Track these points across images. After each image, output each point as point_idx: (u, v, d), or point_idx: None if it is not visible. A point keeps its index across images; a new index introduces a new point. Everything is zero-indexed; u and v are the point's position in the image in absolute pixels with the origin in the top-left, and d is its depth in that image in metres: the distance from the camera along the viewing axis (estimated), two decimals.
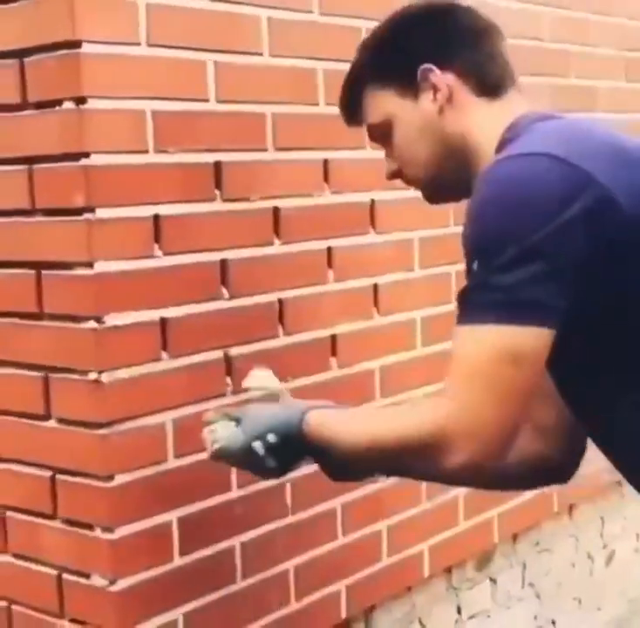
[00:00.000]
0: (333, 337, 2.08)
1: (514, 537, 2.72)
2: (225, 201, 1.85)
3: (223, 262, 1.86)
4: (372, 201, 2.15)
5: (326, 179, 2.04)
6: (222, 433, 1.52)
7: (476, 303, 1.28)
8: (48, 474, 1.78)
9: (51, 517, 1.79)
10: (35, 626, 1.86)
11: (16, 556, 1.87)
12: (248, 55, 1.88)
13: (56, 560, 1.80)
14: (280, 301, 1.96)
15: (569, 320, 1.29)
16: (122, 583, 1.73)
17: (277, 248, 1.96)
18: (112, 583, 1.72)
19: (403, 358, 2.19)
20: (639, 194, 1.28)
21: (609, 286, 1.29)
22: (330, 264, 2.07)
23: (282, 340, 1.97)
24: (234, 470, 1.88)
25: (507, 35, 2.45)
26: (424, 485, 2.31)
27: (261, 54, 1.90)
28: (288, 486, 1.99)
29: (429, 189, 1.55)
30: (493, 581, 2.68)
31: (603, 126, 1.44)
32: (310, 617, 2.07)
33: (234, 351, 1.88)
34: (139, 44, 1.70)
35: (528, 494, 2.60)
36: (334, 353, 2.09)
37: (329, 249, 2.07)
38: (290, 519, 2.01)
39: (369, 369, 2.16)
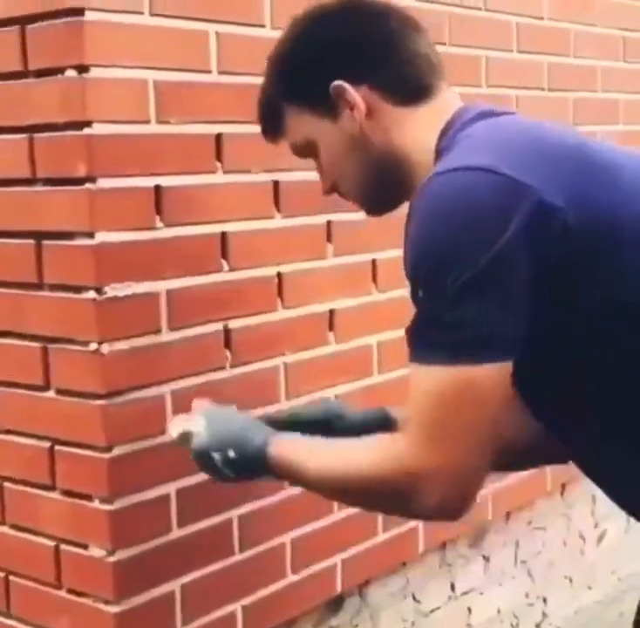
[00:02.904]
0: (331, 312, 2.08)
1: (508, 515, 2.73)
2: (226, 173, 1.84)
3: (223, 235, 1.85)
4: None
5: None
6: (190, 427, 1.50)
7: (428, 341, 1.22)
8: (47, 444, 1.78)
9: (50, 488, 1.79)
10: (32, 597, 1.86)
11: (14, 527, 1.87)
12: (251, 26, 1.87)
13: (54, 531, 1.80)
14: (279, 274, 1.96)
15: (529, 343, 1.23)
16: (120, 555, 1.73)
17: (277, 221, 1.95)
18: (111, 554, 1.73)
19: (401, 334, 2.19)
20: (577, 202, 1.20)
21: (562, 302, 1.22)
22: (329, 239, 2.07)
23: (280, 314, 1.97)
24: None
25: (508, 13, 2.49)
26: None
27: (263, 26, 1.89)
28: None
29: (366, 204, 1.49)
30: (485, 558, 2.70)
31: (538, 127, 1.36)
32: (306, 590, 2.07)
33: (234, 323, 1.88)
34: (142, 13, 1.69)
35: (522, 474, 2.61)
36: (331, 328, 2.09)
37: (328, 224, 2.06)
38: (288, 492, 2.01)
39: (367, 344, 2.16)
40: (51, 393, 1.76)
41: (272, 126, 1.48)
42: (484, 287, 1.18)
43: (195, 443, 1.49)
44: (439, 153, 1.34)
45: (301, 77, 1.41)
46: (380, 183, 1.42)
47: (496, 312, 1.19)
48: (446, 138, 1.34)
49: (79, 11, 1.61)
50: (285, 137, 1.47)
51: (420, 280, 1.23)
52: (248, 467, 1.48)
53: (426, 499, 1.24)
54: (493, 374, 1.20)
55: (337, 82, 1.36)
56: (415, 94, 1.39)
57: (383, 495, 1.31)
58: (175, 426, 1.53)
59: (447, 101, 1.40)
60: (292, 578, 2.04)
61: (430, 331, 1.22)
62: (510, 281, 1.18)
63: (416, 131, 1.38)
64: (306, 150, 1.47)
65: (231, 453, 1.46)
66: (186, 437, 1.50)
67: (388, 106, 1.38)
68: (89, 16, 1.61)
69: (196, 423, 1.50)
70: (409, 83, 1.38)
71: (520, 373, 1.30)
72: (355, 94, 1.37)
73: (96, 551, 1.74)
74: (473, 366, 1.19)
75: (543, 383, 1.32)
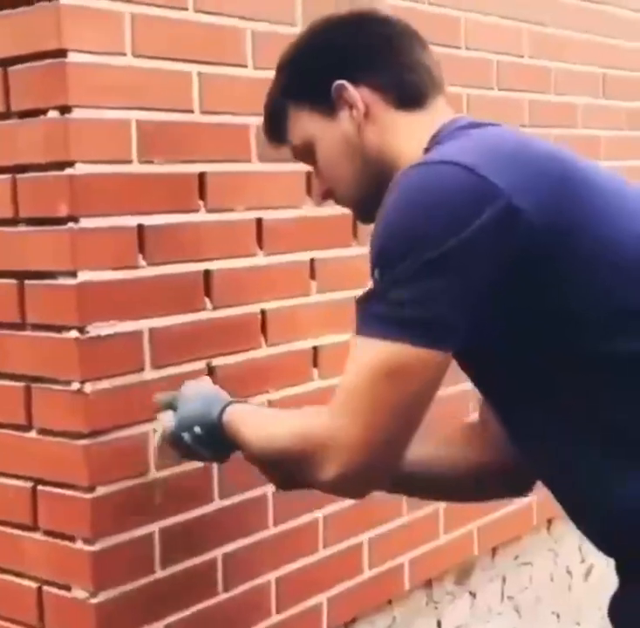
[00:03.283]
0: (315, 349, 2.08)
1: (494, 551, 2.72)
2: (209, 211, 1.85)
3: (207, 273, 1.86)
4: None
5: (309, 191, 2.05)
6: (162, 422, 1.61)
7: (369, 315, 1.25)
8: (29, 485, 1.77)
9: (32, 529, 1.78)
10: None
11: None
12: (233, 67, 1.89)
13: (37, 572, 1.79)
14: (262, 312, 1.97)
15: (487, 341, 1.25)
16: (103, 596, 1.72)
17: (260, 259, 1.96)
18: (94, 595, 1.71)
19: None
20: (550, 209, 1.22)
21: (522, 305, 1.24)
22: (312, 276, 2.08)
23: (264, 351, 1.97)
24: (215, 481, 1.88)
25: (489, 51, 2.52)
26: (405, 498, 2.31)
27: (245, 66, 1.91)
28: (269, 498, 1.99)
29: (359, 209, 1.52)
30: (472, 594, 2.68)
31: (523, 138, 1.39)
32: None
33: (217, 361, 1.88)
34: (124, 54, 1.70)
35: (508, 508, 2.61)
36: (316, 364, 2.09)
37: (311, 261, 2.07)
38: (272, 531, 2.00)
39: None
40: (33, 433, 1.75)
41: (275, 126, 1.52)
42: (439, 274, 1.20)
43: (166, 429, 1.58)
44: (425, 153, 1.36)
45: (304, 75, 1.46)
46: (372, 185, 1.44)
47: (446, 301, 1.21)
48: (433, 141, 1.38)
49: (62, 53, 1.62)
50: (287, 139, 1.51)
51: (378, 260, 1.26)
52: (216, 441, 1.53)
53: (333, 467, 1.27)
54: (428, 360, 1.23)
55: (339, 81, 1.41)
56: (413, 100, 1.43)
57: (297, 461, 1.34)
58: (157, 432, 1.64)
59: (441, 112, 1.44)
60: (277, 617, 2.02)
61: (377, 305, 1.24)
62: (467, 275, 1.21)
63: (409, 135, 1.42)
64: (305, 153, 1.50)
65: (197, 430, 1.54)
66: (162, 439, 1.62)
67: (386, 109, 1.42)
68: (72, 57, 1.62)
69: (166, 417, 1.60)
70: (408, 89, 1.43)
71: (485, 372, 1.32)
72: (355, 94, 1.41)
73: (78, 592, 1.72)
74: (409, 347, 1.22)
75: (504, 385, 1.33)
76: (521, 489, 1.63)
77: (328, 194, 1.52)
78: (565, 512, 1.43)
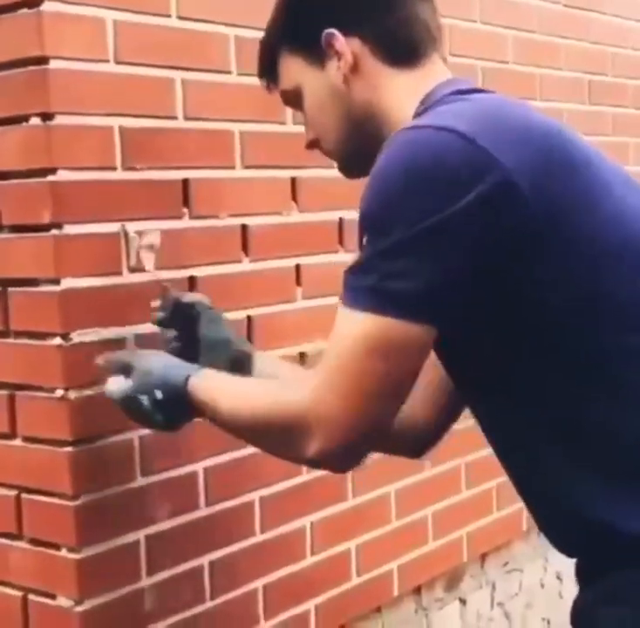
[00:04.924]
0: (301, 355, 2.08)
1: (483, 557, 2.71)
2: (193, 218, 1.85)
3: (191, 280, 1.85)
4: (340, 219, 2.16)
5: (294, 197, 2.05)
6: (112, 385, 1.52)
7: (358, 286, 1.21)
8: (13, 493, 1.76)
9: (17, 537, 1.77)
10: None
11: None
12: (216, 73, 1.89)
13: (21, 581, 1.78)
14: (248, 318, 1.96)
15: (468, 320, 1.22)
16: (88, 604, 1.71)
17: (246, 265, 1.96)
18: (79, 603, 1.70)
19: None
20: (545, 191, 1.18)
21: (508, 284, 1.21)
22: (298, 282, 2.07)
23: None
24: (202, 488, 1.87)
25: (473, 57, 2.52)
26: (393, 503, 2.31)
27: (229, 72, 1.91)
28: (256, 505, 1.98)
29: (342, 161, 1.48)
30: (462, 601, 2.68)
31: (524, 109, 1.34)
32: None
33: None
34: (107, 60, 1.70)
35: (497, 514, 2.61)
36: None
37: (297, 267, 2.07)
38: (259, 537, 1.99)
39: None
40: (17, 441, 1.74)
41: (266, 68, 1.49)
42: (428, 245, 1.17)
43: (122, 389, 1.49)
44: (418, 115, 1.33)
45: (298, 20, 1.42)
46: (357, 139, 1.41)
47: (434, 274, 1.17)
48: (427, 103, 1.33)
49: (44, 60, 1.62)
50: (277, 81, 1.47)
51: (369, 225, 1.22)
52: (175, 408, 1.46)
53: (316, 443, 1.24)
54: (414, 334, 1.19)
55: (330, 30, 1.37)
56: (405, 57, 1.38)
57: (278, 435, 1.31)
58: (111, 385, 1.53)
59: (435, 71, 1.39)
60: (265, 625, 2.02)
61: (364, 276, 1.20)
62: (457, 248, 1.17)
63: (398, 94, 1.37)
64: (294, 98, 1.47)
65: (158, 394, 1.45)
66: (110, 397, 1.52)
67: (375, 63, 1.38)
68: (54, 64, 1.62)
69: (115, 382, 1.51)
70: (401, 44, 1.38)
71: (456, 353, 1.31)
72: (344, 44, 1.37)
73: (64, 601, 1.71)
74: (396, 320, 1.18)
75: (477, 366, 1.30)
76: (413, 452, 1.62)
77: (314, 144, 1.48)
78: (524, 504, 1.41)
